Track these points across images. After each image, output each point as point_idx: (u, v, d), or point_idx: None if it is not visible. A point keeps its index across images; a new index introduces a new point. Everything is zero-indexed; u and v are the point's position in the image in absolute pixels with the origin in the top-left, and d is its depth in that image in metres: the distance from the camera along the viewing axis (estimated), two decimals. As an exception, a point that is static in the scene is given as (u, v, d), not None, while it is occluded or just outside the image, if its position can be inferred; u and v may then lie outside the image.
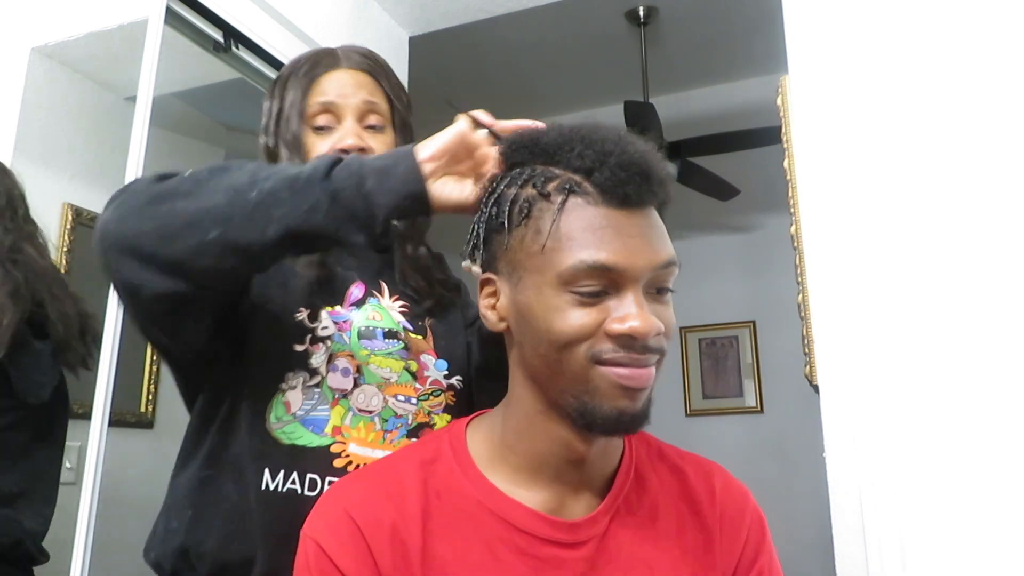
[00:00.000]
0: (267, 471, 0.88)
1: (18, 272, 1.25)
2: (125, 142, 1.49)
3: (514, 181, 0.72)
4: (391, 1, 2.23)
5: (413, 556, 0.69)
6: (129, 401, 2.05)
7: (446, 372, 1.01)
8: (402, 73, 2.34)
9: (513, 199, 0.71)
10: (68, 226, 1.71)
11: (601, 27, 3.37)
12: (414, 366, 0.98)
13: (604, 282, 0.67)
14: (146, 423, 2.13)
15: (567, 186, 0.69)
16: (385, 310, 1.00)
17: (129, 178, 1.46)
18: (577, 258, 0.66)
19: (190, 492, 0.91)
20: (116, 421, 1.50)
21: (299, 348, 0.92)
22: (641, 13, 3.30)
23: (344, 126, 0.98)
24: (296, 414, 0.90)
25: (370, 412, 0.93)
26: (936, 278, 1.29)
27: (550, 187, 0.70)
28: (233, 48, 1.78)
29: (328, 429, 0.90)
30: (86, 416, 1.44)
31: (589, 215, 0.68)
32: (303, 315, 0.93)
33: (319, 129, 0.99)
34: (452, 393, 1.00)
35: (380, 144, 0.99)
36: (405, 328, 1.00)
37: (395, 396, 0.94)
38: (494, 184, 0.75)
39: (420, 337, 1.01)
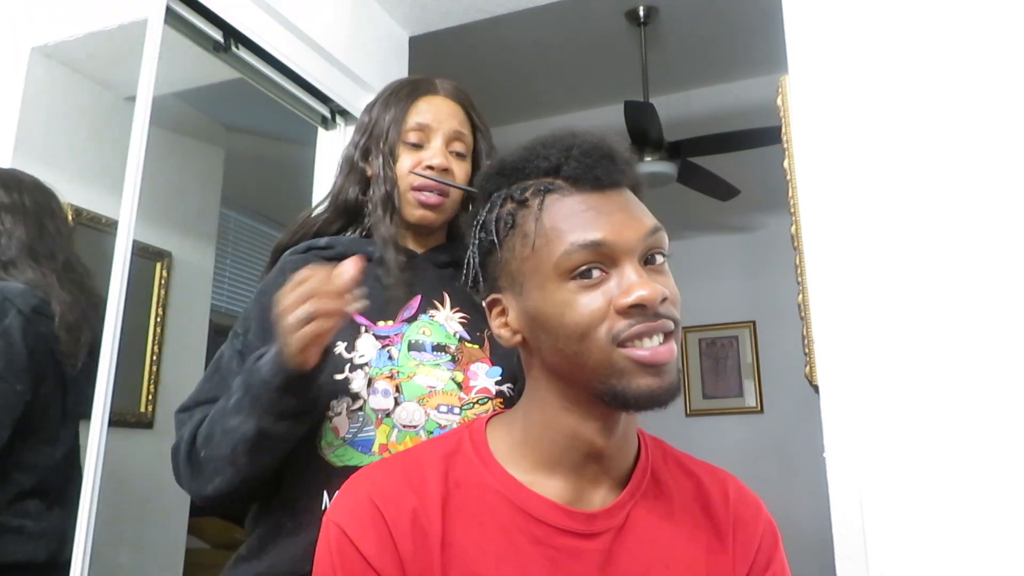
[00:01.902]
0: (325, 494, 0.95)
1: (83, 295, 1.38)
2: (125, 142, 1.49)
3: (493, 205, 0.76)
4: (391, 1, 2.23)
5: (433, 542, 0.71)
6: (129, 401, 2.05)
7: (498, 378, 1.04)
8: (402, 73, 2.34)
9: (496, 218, 0.75)
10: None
11: (601, 27, 3.37)
12: (460, 377, 1.02)
13: (600, 261, 0.69)
14: (146, 423, 2.13)
15: (542, 187, 0.72)
16: (437, 324, 1.05)
17: (129, 178, 1.46)
18: (568, 242, 0.69)
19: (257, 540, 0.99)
20: (116, 421, 1.50)
21: (339, 377, 0.98)
22: (641, 13, 3.30)
23: (433, 146, 1.07)
24: (345, 437, 0.97)
25: (414, 427, 0.98)
26: (936, 278, 1.29)
27: (527, 194, 0.73)
28: (233, 48, 1.77)
29: (375, 448, 0.97)
30: (86, 416, 1.45)
31: (568, 204, 0.71)
32: (340, 347, 1.00)
33: (411, 145, 1.08)
34: (501, 400, 1.03)
35: (460, 170, 1.08)
36: (462, 339, 1.05)
37: (437, 408, 0.99)
38: (476, 217, 0.78)
39: (476, 347, 1.05)
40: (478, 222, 0.77)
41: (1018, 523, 1.18)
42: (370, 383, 0.99)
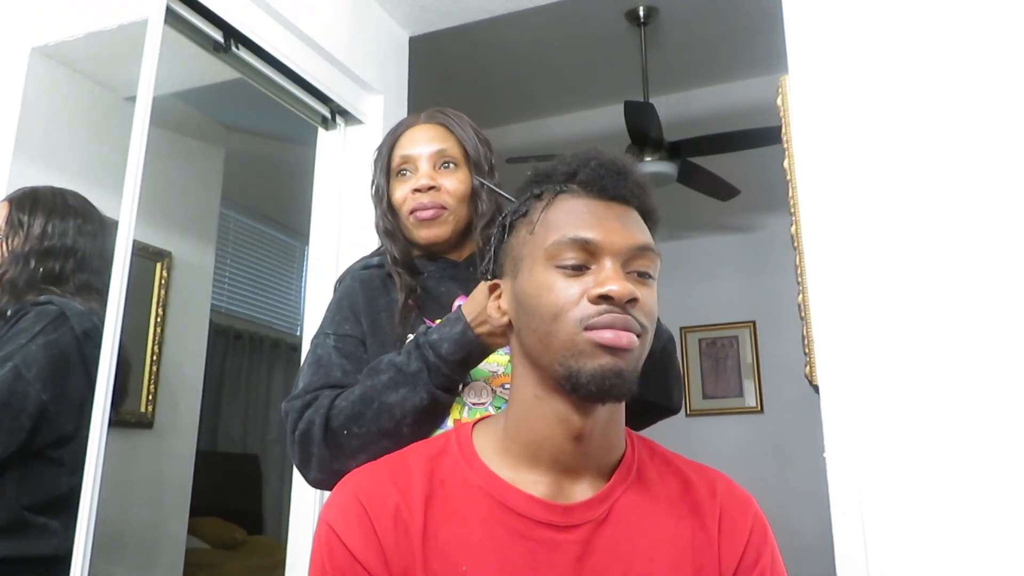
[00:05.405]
0: None
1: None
2: (125, 142, 1.49)
3: (519, 202, 0.84)
4: (391, 1, 2.23)
5: (415, 536, 0.75)
6: (129, 401, 2.05)
7: None
8: (402, 73, 2.34)
9: (515, 211, 0.83)
10: (68, 226, 1.70)
11: (601, 27, 3.38)
12: None
13: (585, 257, 0.75)
14: (146, 423, 2.14)
15: (556, 188, 0.80)
16: None
17: (129, 178, 1.46)
18: (560, 233, 0.76)
19: None
20: (116, 421, 1.50)
21: None
22: (641, 13, 3.30)
23: (420, 170, 1.18)
24: None
25: (483, 404, 1.08)
26: (936, 278, 1.29)
27: (542, 190, 0.81)
28: (233, 48, 1.77)
29: (449, 423, 1.06)
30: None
31: (572, 204, 0.79)
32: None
33: (401, 174, 1.20)
34: None
35: (452, 179, 1.18)
36: None
37: (502, 386, 1.09)
38: (504, 213, 0.86)
39: None
40: (503, 215, 0.85)
41: (1018, 523, 1.18)
42: None
